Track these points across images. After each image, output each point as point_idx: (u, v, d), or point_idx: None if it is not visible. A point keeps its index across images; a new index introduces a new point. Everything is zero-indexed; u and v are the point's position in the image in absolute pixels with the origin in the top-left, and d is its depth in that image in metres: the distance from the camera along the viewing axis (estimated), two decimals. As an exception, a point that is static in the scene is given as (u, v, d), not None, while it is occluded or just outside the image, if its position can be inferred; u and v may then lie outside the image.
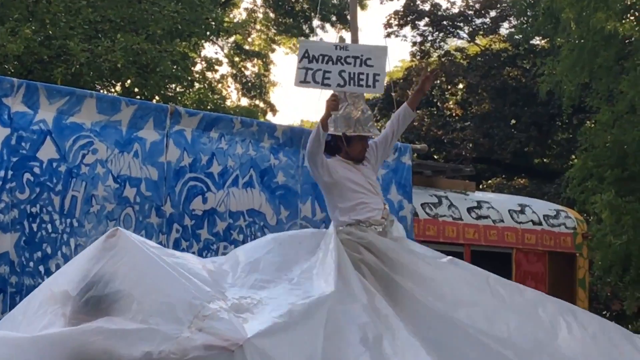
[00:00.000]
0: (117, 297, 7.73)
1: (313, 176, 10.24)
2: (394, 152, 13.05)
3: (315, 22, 37.03)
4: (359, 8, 19.35)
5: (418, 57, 37.87)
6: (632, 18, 23.11)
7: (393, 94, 26.69)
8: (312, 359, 8.10)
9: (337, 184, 9.68)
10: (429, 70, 10.27)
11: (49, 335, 7.67)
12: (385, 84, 10.79)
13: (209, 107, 27.84)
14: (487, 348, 9.12)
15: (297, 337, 8.07)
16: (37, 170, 10.30)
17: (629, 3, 22.55)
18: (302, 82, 10.12)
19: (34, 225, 10.35)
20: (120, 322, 7.52)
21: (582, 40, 21.87)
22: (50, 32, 24.60)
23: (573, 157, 25.20)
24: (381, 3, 40.16)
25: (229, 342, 7.12)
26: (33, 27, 23.59)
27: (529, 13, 27.56)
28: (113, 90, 28.44)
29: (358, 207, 9.56)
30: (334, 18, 36.71)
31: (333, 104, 9.62)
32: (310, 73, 10.13)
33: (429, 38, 38.16)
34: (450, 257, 10.17)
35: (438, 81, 36.85)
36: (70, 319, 7.68)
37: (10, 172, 9.97)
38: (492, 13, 37.36)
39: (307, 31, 37.89)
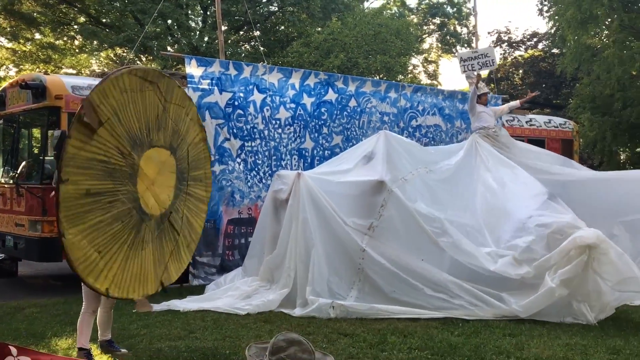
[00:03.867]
0: (374, 158, 8.17)
1: (470, 111, 9.90)
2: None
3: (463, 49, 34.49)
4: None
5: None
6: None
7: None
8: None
9: (478, 114, 9.62)
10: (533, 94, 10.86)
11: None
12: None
13: None
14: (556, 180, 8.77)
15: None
16: None
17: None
18: (463, 72, 10.10)
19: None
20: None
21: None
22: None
23: (572, 99, 23.74)
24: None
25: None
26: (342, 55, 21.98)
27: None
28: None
29: (484, 123, 9.49)
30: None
31: (476, 79, 9.80)
32: (465, 66, 10.08)
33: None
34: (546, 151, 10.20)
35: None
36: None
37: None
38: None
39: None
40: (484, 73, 11.02)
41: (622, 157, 24.66)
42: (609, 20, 19.37)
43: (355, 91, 11.30)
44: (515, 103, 10.64)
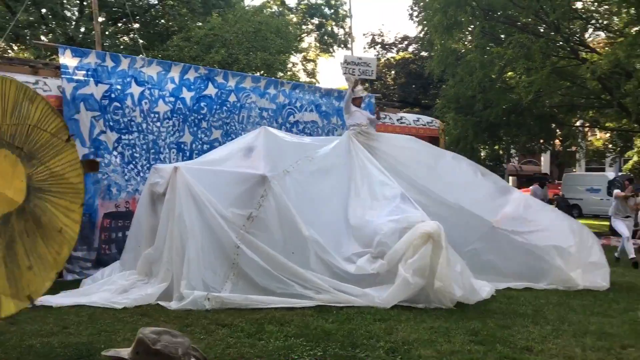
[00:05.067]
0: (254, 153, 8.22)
1: (345, 111, 9.90)
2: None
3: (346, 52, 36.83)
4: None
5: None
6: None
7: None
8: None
9: (352, 113, 9.67)
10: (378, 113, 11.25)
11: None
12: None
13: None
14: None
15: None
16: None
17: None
18: (344, 74, 10.13)
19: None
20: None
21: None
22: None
23: (438, 100, 24.36)
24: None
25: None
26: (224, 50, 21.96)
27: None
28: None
29: (357, 121, 9.55)
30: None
31: (354, 83, 9.86)
32: (347, 69, 10.15)
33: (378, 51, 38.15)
34: (410, 136, 10.57)
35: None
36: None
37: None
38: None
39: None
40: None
41: (482, 154, 26.00)
42: (472, 26, 20.25)
43: (235, 86, 11.17)
44: (374, 118, 10.94)
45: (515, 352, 5.49)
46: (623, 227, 12.30)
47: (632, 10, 17.83)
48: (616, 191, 12.78)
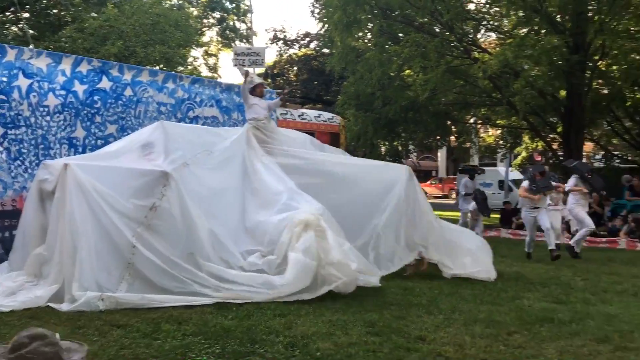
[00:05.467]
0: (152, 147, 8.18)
1: (244, 102, 9.89)
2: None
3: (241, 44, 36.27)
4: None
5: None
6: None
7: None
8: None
9: (250, 106, 9.62)
10: (286, 92, 11.31)
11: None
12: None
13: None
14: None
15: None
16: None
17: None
18: (235, 65, 10.27)
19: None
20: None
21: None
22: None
23: (339, 96, 24.06)
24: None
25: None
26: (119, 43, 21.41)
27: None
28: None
29: (255, 115, 9.52)
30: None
31: (246, 73, 9.85)
32: (237, 60, 10.50)
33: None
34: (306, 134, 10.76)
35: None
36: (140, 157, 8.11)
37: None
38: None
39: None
40: (257, 70, 11.32)
41: (382, 150, 26.54)
42: (371, 25, 20.60)
43: (132, 80, 10.83)
44: (277, 101, 10.94)
45: (410, 341, 5.65)
46: (530, 225, 12.58)
47: (520, 13, 18.72)
48: (525, 183, 12.69)
